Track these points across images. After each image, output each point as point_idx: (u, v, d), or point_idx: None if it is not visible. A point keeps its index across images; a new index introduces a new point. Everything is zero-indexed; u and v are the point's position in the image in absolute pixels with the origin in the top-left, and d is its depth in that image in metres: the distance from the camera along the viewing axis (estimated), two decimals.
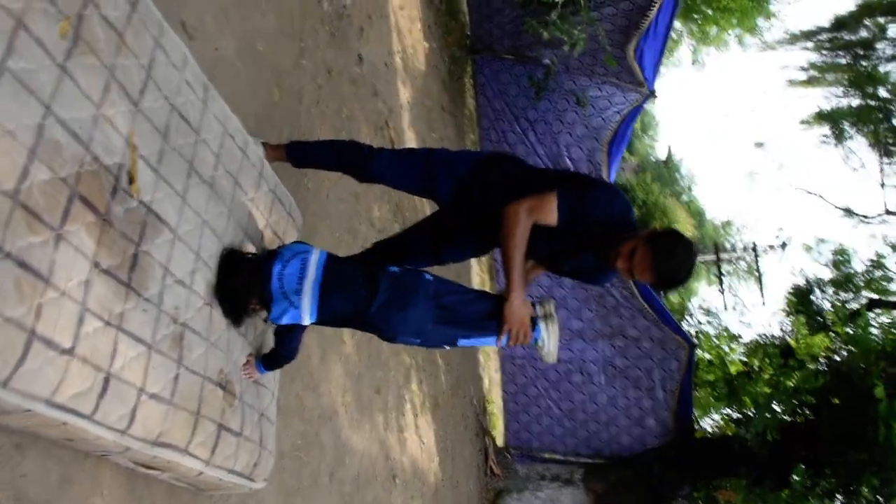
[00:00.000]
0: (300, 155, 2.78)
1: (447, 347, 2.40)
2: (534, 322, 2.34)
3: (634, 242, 2.38)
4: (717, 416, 7.91)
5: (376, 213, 4.49)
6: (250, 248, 2.32)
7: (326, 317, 2.19)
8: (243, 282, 2.12)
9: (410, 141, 5.70)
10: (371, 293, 2.20)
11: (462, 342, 2.34)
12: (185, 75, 1.91)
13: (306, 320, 2.16)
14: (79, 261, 1.43)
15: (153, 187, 1.73)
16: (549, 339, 2.35)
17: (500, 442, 8.15)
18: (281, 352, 2.29)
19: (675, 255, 2.35)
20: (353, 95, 4.26)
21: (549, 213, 2.38)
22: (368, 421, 4.00)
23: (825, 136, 14.37)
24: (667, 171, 36.12)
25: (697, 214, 34.38)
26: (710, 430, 8.07)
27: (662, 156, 39.72)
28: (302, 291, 2.13)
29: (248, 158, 2.27)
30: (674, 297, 22.51)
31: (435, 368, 5.88)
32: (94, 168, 1.50)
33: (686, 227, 27.01)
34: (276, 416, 2.46)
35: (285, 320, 2.14)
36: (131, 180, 1.63)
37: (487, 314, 2.33)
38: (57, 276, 1.37)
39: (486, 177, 2.64)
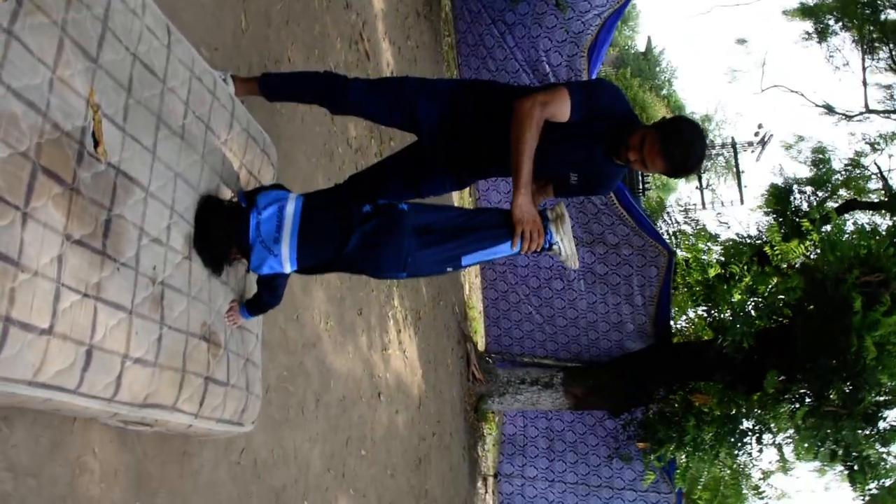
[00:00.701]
0: (272, 88, 2.68)
1: (450, 269, 2.36)
2: (544, 227, 2.30)
3: (642, 132, 2.38)
4: (692, 314, 8.09)
5: (353, 133, 4.40)
6: (227, 193, 2.27)
7: (307, 264, 2.18)
8: (221, 231, 2.09)
9: (386, 52, 5.51)
10: (346, 236, 2.18)
11: (468, 259, 2.30)
12: (146, 20, 1.80)
13: (287, 269, 2.15)
14: (49, 237, 1.39)
15: (121, 146, 1.66)
16: (564, 241, 2.31)
17: (481, 347, 8.36)
18: (265, 299, 2.29)
19: (683, 140, 2.34)
20: (324, 10, 4.07)
21: (563, 106, 2.35)
22: (352, 343, 4.07)
23: (808, 32, 14.01)
24: (646, 63, 35.53)
25: (677, 109, 34.12)
26: (685, 329, 8.30)
27: (642, 48, 38.97)
28: (280, 240, 2.10)
29: (218, 100, 2.18)
30: (652, 195, 22.69)
31: (415, 282, 5.93)
32: (55, 136, 1.44)
33: None
34: (261, 359, 2.48)
35: (266, 270, 2.13)
36: (96, 143, 1.57)
37: (493, 223, 2.30)
38: (27, 256, 1.33)
39: (475, 100, 2.57)
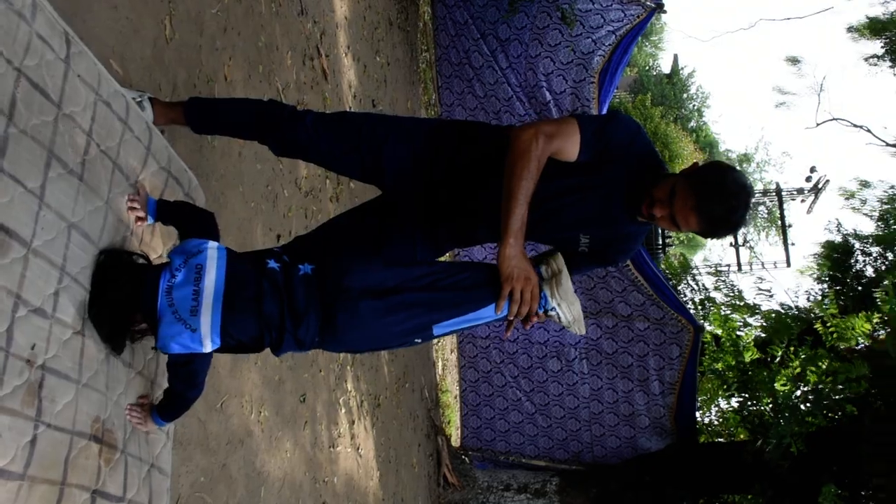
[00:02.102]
0: (201, 118, 2.66)
1: (418, 341, 2.29)
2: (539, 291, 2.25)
3: (671, 181, 2.36)
4: (724, 407, 8.07)
5: (303, 173, 4.38)
6: (136, 246, 2.22)
7: (232, 343, 2.11)
8: (121, 294, 2.02)
9: (349, 70, 5.55)
10: (282, 309, 2.12)
11: (441, 328, 2.23)
12: (36, 26, 1.77)
13: (207, 347, 2.07)
14: None
15: None
16: (563, 306, 2.24)
17: (456, 442, 8.25)
18: (179, 390, 2.20)
19: (725, 193, 2.31)
20: (273, 16, 4.09)
21: (571, 140, 2.34)
22: (290, 438, 3.98)
23: (876, 55, 14.29)
24: (671, 89, 36.28)
25: (708, 146, 34.84)
26: (715, 426, 8.27)
27: (667, 68, 39.86)
28: (199, 310, 2.03)
29: (130, 131, 2.15)
30: (674, 253, 22.89)
31: (376, 359, 5.87)
32: None
33: (692, 162, 27.29)
34: (170, 463, 2.39)
35: (176, 348, 2.05)
36: None
37: (474, 282, 2.25)
38: None
39: (457, 145, 2.56)
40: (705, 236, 2.45)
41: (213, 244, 2.15)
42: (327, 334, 2.20)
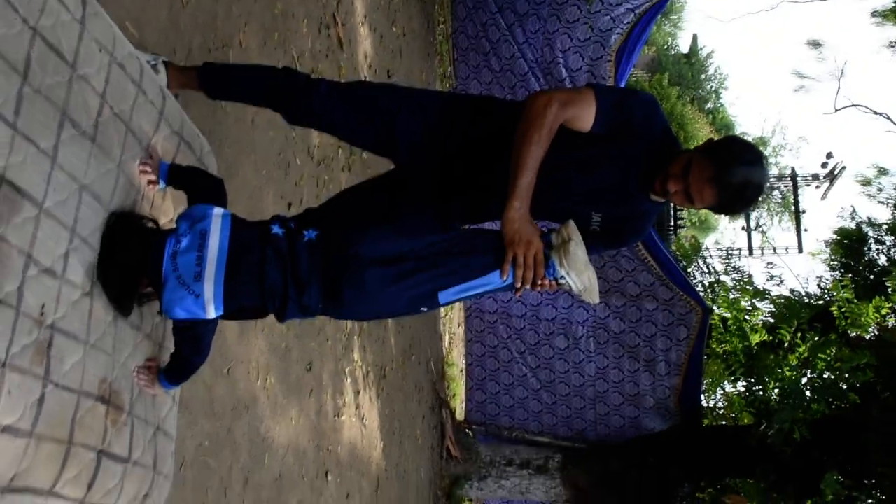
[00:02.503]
0: (215, 83, 2.65)
1: (424, 309, 2.29)
2: (546, 259, 2.21)
3: (687, 156, 2.35)
4: (729, 390, 8.07)
5: (315, 141, 4.38)
6: (147, 211, 2.23)
7: (234, 308, 2.12)
8: (129, 257, 2.03)
9: (365, 40, 5.52)
10: (285, 277, 2.12)
11: (447, 295, 2.22)
12: None
13: (210, 313, 2.08)
14: None
15: (8, 148, 1.61)
16: (572, 275, 2.19)
17: (460, 415, 8.29)
18: (186, 354, 2.22)
19: (739, 165, 2.30)
20: None
21: (587, 109, 2.33)
22: (296, 406, 4.01)
23: None
24: (689, 69, 36.00)
25: (724, 128, 34.55)
26: (719, 409, 8.28)
27: (686, 48, 39.53)
28: (203, 276, 2.04)
29: (144, 94, 2.15)
30: (685, 234, 22.82)
31: (383, 331, 5.89)
32: None
33: None
34: (175, 428, 2.42)
35: (181, 314, 2.06)
36: None
37: (480, 248, 2.24)
38: None
39: (472, 119, 2.55)
40: (719, 211, 2.42)
41: (218, 210, 2.15)
42: (332, 302, 2.20)
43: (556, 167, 2.39)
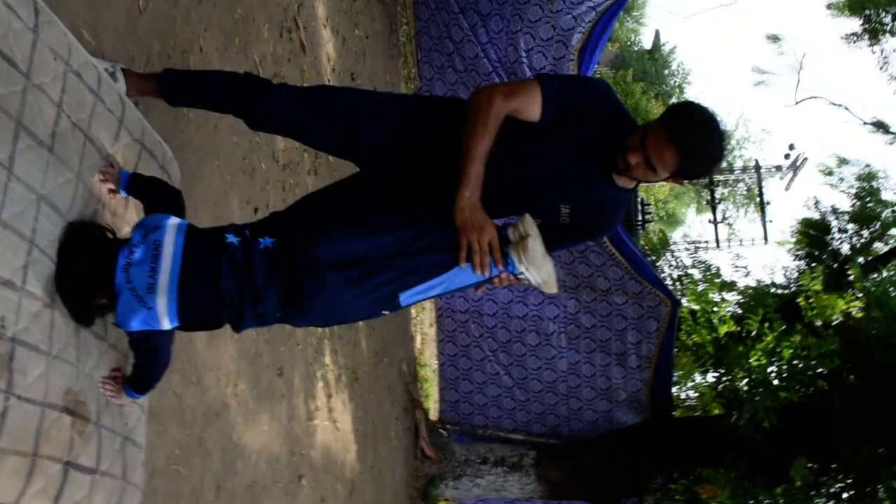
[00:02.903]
0: (175, 90, 2.64)
1: (386, 312, 2.30)
2: (505, 256, 2.24)
3: (643, 128, 2.34)
4: (699, 381, 8.13)
5: (280, 145, 4.36)
6: (107, 219, 2.21)
7: (188, 320, 2.11)
8: (86, 268, 2.01)
9: (327, 43, 5.51)
10: (240, 286, 2.11)
11: (408, 296, 2.23)
12: None
13: (165, 325, 2.07)
14: None
15: None
16: (531, 270, 2.22)
17: (434, 415, 8.29)
18: (145, 366, 2.20)
19: (695, 121, 2.30)
20: None
21: (530, 98, 2.35)
22: (268, 411, 3.99)
23: (855, 33, 14.23)
24: (653, 64, 36.24)
25: None
26: (690, 400, 8.34)
27: (648, 44, 39.79)
28: (156, 289, 2.02)
29: (102, 102, 2.13)
30: (653, 229, 22.98)
31: (354, 333, 5.88)
32: None
33: None
34: (145, 436, 2.40)
35: (135, 325, 2.05)
36: None
37: (438, 245, 2.25)
38: None
39: (435, 120, 2.55)
40: (683, 175, 2.37)
41: (173, 220, 2.14)
42: (293, 308, 2.19)
43: (514, 161, 2.41)
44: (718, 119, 2.36)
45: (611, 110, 2.47)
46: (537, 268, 2.21)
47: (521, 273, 2.23)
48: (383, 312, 2.30)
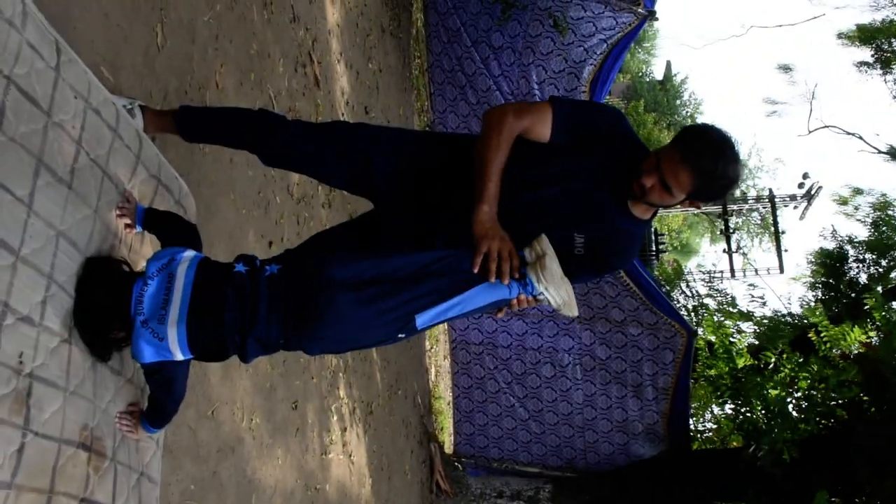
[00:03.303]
0: (192, 127, 2.66)
1: (402, 336, 2.23)
2: (522, 274, 2.18)
3: (657, 152, 2.33)
4: (717, 413, 8.07)
5: (295, 179, 4.38)
6: (125, 255, 2.22)
7: (199, 350, 2.11)
8: (103, 302, 2.02)
9: (341, 77, 5.56)
10: (244, 314, 2.10)
11: (424, 318, 2.16)
12: (27, 34, 1.77)
13: (178, 356, 2.07)
14: None
15: None
16: (551, 290, 2.16)
17: (449, 448, 8.25)
18: (160, 399, 2.20)
19: (708, 142, 2.29)
20: (265, 23, 4.09)
21: (542, 118, 2.37)
22: (282, 445, 3.97)
23: (866, 62, 14.29)
24: (664, 95, 36.41)
25: None
26: (708, 432, 8.27)
27: (660, 75, 39.98)
28: (167, 319, 2.03)
29: (120, 139, 2.15)
30: (667, 258, 22.92)
31: (368, 366, 5.87)
32: None
33: None
34: (159, 473, 2.39)
35: (148, 357, 2.06)
36: None
37: (455, 266, 2.19)
38: None
39: (451, 155, 2.55)
40: (700, 196, 2.35)
41: (189, 253, 2.15)
42: (304, 331, 2.16)
43: (527, 186, 2.40)
44: (733, 140, 2.34)
45: (624, 138, 2.46)
46: (556, 287, 2.17)
47: (541, 294, 2.19)
48: (399, 336, 2.23)
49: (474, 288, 2.18)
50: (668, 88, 37.20)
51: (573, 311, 2.25)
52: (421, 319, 2.17)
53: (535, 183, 2.45)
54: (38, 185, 1.79)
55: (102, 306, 2.02)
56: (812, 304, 8.81)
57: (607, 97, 6.95)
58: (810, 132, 22.75)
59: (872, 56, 13.91)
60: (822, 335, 6.49)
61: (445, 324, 7.27)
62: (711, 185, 2.31)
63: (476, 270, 2.14)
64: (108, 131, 2.11)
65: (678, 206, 2.44)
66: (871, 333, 6.74)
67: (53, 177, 1.85)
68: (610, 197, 2.45)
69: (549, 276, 2.16)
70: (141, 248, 2.35)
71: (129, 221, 2.19)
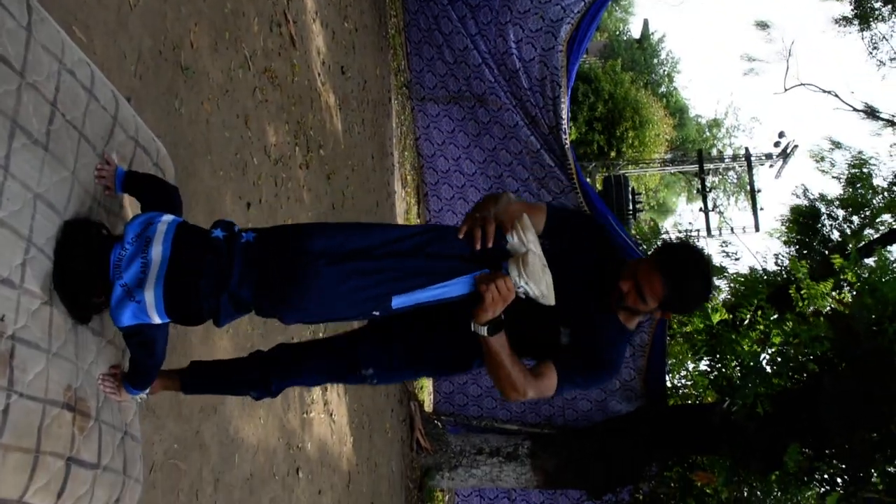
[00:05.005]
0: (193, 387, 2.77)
1: (377, 314, 2.27)
2: (503, 267, 2.25)
3: (637, 261, 2.54)
4: (692, 370, 8.17)
5: (272, 139, 4.36)
6: (104, 217, 2.22)
7: (175, 314, 2.12)
8: (82, 267, 2.03)
9: (317, 37, 5.51)
10: (219, 278, 2.12)
11: (400, 300, 2.22)
12: None
13: (155, 319, 2.09)
14: None
15: None
16: (531, 281, 2.24)
17: (428, 407, 8.32)
18: (141, 361, 2.22)
19: (680, 256, 2.52)
20: None
21: (551, 389, 2.47)
22: (264, 405, 4.00)
23: (845, 17, 14.20)
24: (642, 54, 36.28)
25: (678, 112, 34.93)
26: (684, 388, 8.38)
27: (637, 33, 39.81)
28: (145, 282, 2.05)
29: (96, 100, 2.13)
30: (645, 218, 23.05)
31: (348, 325, 5.88)
32: None
33: (663, 128, 27.39)
34: (139, 430, 2.41)
35: (127, 320, 2.07)
36: None
37: (445, 254, 2.25)
38: None
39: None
40: (671, 306, 2.52)
41: (166, 217, 2.16)
42: (282, 300, 2.19)
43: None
44: (706, 257, 2.60)
45: (611, 242, 2.70)
46: (536, 281, 2.24)
47: (520, 287, 2.25)
48: (374, 313, 2.27)
49: (454, 281, 2.23)
50: (645, 47, 37.06)
51: (550, 302, 2.32)
52: (397, 300, 2.22)
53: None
54: (14, 147, 1.78)
55: (81, 271, 2.03)
56: (791, 259, 8.87)
57: (584, 56, 6.92)
58: (787, 90, 22.88)
59: (853, 10, 13.85)
60: (801, 291, 6.54)
61: None
62: (681, 300, 2.51)
63: (461, 236, 2.25)
64: (84, 92, 2.09)
65: (654, 313, 2.57)
66: (845, 292, 6.82)
67: (29, 139, 1.84)
68: (594, 294, 2.58)
69: (531, 271, 2.23)
70: (120, 211, 2.35)
71: (108, 184, 2.19)
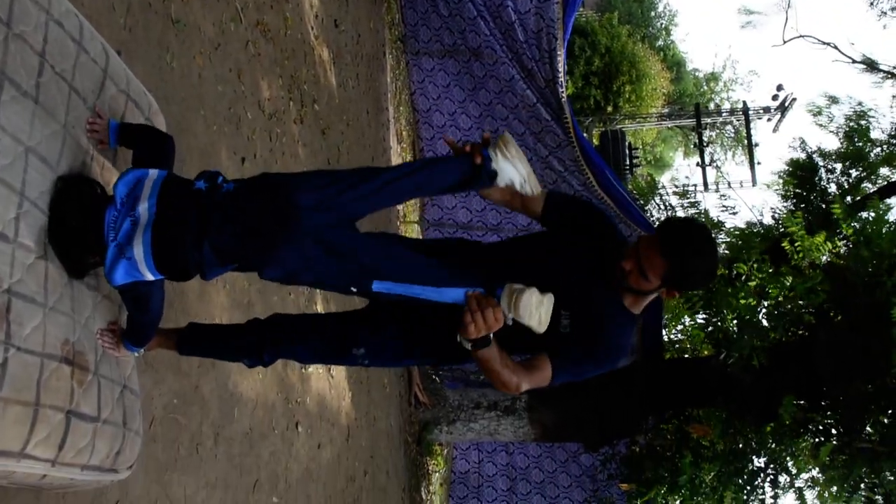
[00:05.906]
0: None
1: (354, 290, 2.25)
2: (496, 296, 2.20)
3: (638, 240, 2.49)
4: (688, 323, 8.19)
5: (265, 94, 4.33)
6: (97, 172, 2.21)
7: (167, 267, 2.11)
8: (77, 222, 2.02)
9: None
10: (202, 230, 2.10)
11: (382, 287, 2.20)
12: None
13: (147, 276, 2.09)
14: None
15: None
16: (521, 316, 2.18)
17: None
18: (137, 318, 2.23)
19: (681, 231, 2.44)
20: None
21: (546, 380, 2.45)
22: None
23: None
24: (638, 6, 35.92)
25: (675, 65, 34.64)
26: (680, 342, 8.42)
27: None
28: (134, 238, 2.05)
29: (85, 52, 2.12)
30: (642, 173, 22.99)
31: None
32: None
33: (660, 81, 27.21)
34: (138, 384, 2.43)
35: (120, 278, 2.07)
36: None
37: (446, 263, 2.27)
38: None
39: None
40: (674, 283, 2.44)
41: (152, 173, 2.13)
42: (264, 250, 2.15)
43: (516, 264, 2.46)
44: (708, 232, 2.50)
45: (609, 228, 2.64)
46: (528, 317, 2.17)
47: (510, 318, 2.21)
48: (351, 289, 2.25)
49: (441, 290, 2.22)
50: (642, 0, 36.67)
51: (536, 189, 2.32)
52: (379, 286, 2.20)
53: (523, 259, 2.54)
54: (3, 99, 1.77)
55: (75, 227, 2.02)
56: (786, 213, 8.86)
57: (580, 9, 6.84)
58: (785, 42, 22.58)
59: None
60: (795, 245, 6.51)
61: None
62: (683, 273, 2.43)
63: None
64: (73, 44, 2.07)
65: (658, 292, 2.49)
66: (839, 244, 6.80)
67: (18, 90, 1.82)
68: (596, 278, 2.52)
69: (523, 306, 2.15)
70: (114, 165, 2.34)
71: (101, 138, 2.17)
